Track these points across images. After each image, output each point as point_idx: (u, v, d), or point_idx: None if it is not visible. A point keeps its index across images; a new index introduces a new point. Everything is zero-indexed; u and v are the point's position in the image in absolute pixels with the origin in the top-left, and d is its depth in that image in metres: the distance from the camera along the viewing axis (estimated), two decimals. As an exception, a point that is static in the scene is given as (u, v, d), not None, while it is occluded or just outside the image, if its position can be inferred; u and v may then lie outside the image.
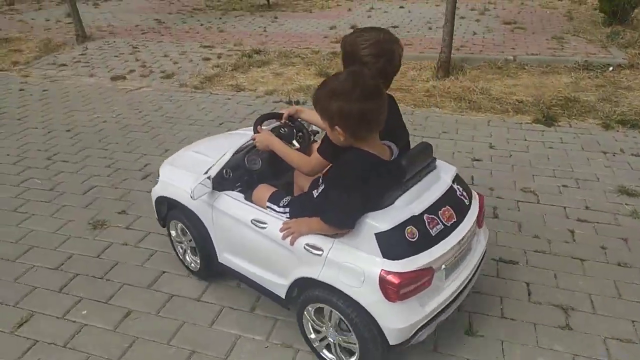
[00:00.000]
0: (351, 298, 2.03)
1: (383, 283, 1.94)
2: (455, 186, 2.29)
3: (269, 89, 6.29)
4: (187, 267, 2.96)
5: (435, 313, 2.11)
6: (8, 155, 4.69)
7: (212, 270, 2.79)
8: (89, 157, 4.57)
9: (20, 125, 5.37)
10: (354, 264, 2.01)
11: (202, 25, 10.03)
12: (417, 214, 2.05)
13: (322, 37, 8.74)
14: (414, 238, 2.00)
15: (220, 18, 10.65)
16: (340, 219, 2.01)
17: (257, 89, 6.34)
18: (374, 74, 1.94)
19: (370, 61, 2.02)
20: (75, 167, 4.39)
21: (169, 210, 2.87)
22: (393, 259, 1.96)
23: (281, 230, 2.23)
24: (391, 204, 2.06)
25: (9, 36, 9.38)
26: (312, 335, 2.36)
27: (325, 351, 2.36)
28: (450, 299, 2.17)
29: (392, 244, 1.98)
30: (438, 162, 2.36)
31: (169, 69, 7.13)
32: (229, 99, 6.03)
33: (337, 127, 1.89)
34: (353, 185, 1.95)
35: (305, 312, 2.30)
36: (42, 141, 4.96)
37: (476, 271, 2.34)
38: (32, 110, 5.82)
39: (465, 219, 2.22)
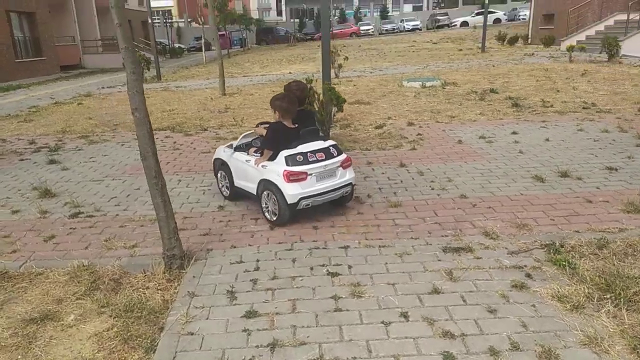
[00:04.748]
0: (274, 183, 5.05)
1: (284, 174, 4.94)
2: (331, 147, 5.28)
3: None
4: (222, 194, 6.24)
5: (310, 194, 5.02)
6: None
7: (234, 192, 5.92)
8: None
9: None
10: (276, 169, 5.04)
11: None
12: (304, 152, 5.05)
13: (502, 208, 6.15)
14: (300, 160, 5.00)
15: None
16: (265, 143, 5.38)
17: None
18: (293, 96, 5.48)
19: (295, 92, 5.69)
20: None
21: (219, 167, 6.21)
22: (289, 166, 4.96)
23: (255, 162, 5.41)
24: (295, 147, 5.08)
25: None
26: (263, 205, 5.38)
27: (266, 213, 5.35)
28: (321, 192, 5.10)
29: (290, 160, 4.99)
30: (329, 140, 5.45)
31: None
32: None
33: (275, 111, 5.34)
34: (272, 132, 5.26)
35: (262, 196, 5.33)
36: None
37: (344, 187, 5.29)
38: None
39: (330, 160, 5.16)
